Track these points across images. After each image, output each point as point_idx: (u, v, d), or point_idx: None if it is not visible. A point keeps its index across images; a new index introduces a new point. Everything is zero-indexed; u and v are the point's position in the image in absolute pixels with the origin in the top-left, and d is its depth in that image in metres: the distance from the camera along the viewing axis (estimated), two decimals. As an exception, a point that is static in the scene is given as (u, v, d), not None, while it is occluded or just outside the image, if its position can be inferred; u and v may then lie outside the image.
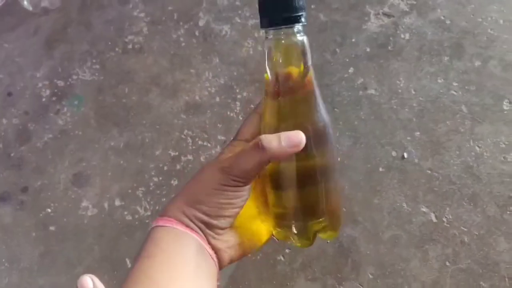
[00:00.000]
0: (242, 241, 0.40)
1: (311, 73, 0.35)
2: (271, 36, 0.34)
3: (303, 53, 0.34)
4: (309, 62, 0.34)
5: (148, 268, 0.36)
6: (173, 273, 0.36)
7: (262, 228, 0.42)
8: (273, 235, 0.42)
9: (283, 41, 0.34)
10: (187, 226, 0.37)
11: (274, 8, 0.32)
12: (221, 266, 0.39)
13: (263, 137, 0.34)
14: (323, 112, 0.36)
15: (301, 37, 0.34)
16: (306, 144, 0.35)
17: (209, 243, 0.38)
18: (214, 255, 0.38)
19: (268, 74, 0.35)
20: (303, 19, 0.32)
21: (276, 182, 0.37)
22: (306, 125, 0.35)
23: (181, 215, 0.38)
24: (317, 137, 0.36)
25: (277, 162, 0.36)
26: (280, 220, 0.39)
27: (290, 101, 0.35)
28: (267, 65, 0.35)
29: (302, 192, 0.37)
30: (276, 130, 0.35)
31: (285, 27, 0.33)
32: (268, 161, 0.35)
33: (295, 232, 0.40)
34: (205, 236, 0.38)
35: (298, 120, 0.35)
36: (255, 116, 0.39)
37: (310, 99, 0.35)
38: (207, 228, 0.38)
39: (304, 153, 0.35)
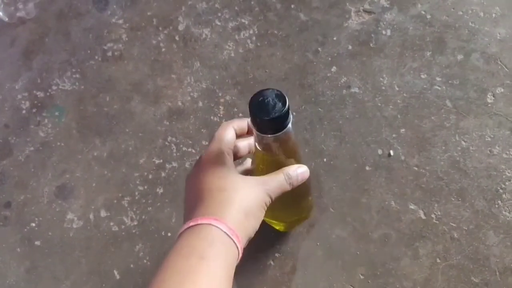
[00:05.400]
0: None
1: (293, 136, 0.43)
2: (268, 136, 0.40)
3: (290, 136, 0.42)
4: (292, 131, 0.41)
5: (200, 271, 0.35)
6: (215, 284, 0.36)
7: None
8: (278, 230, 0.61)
9: (275, 137, 0.41)
10: (239, 239, 0.39)
11: (269, 125, 0.39)
12: None
13: (292, 176, 0.44)
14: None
15: (289, 129, 0.41)
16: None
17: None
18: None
19: (259, 149, 0.43)
20: (289, 122, 0.40)
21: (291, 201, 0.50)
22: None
23: (236, 224, 0.39)
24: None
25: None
26: (290, 220, 0.59)
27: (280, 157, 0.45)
28: (262, 148, 0.43)
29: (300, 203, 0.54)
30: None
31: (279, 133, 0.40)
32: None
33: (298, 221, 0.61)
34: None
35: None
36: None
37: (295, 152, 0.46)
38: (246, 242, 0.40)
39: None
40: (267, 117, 0.37)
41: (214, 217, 0.38)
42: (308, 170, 0.46)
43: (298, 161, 0.46)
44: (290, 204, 0.52)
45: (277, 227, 0.61)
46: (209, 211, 0.38)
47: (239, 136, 0.46)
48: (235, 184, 0.40)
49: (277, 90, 0.39)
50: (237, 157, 0.46)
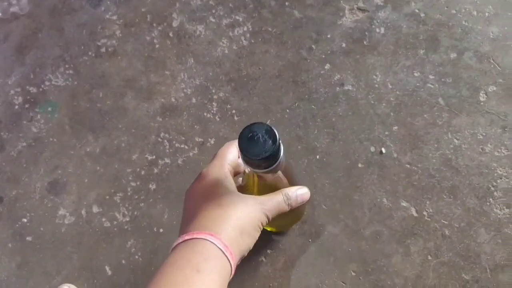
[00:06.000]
0: None
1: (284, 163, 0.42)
2: (259, 171, 0.40)
3: (282, 165, 0.41)
4: (283, 160, 0.40)
5: (194, 283, 0.35)
6: None
7: None
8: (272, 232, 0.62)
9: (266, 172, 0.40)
10: (233, 256, 0.38)
11: (260, 162, 0.38)
12: None
13: (291, 197, 0.44)
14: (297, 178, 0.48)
15: (281, 161, 0.40)
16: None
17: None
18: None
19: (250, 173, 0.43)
20: (281, 154, 0.39)
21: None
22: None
23: (230, 241, 0.38)
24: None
25: None
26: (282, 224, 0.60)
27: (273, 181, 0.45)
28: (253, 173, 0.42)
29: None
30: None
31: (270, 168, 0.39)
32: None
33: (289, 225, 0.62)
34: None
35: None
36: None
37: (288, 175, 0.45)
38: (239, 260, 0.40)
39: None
40: (257, 157, 0.37)
41: (209, 232, 0.37)
42: (308, 192, 0.46)
43: (291, 182, 0.46)
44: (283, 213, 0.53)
45: (268, 229, 0.61)
46: (205, 226, 0.38)
47: None
48: (233, 201, 0.40)
49: (267, 125, 0.38)
50: (235, 175, 0.46)
